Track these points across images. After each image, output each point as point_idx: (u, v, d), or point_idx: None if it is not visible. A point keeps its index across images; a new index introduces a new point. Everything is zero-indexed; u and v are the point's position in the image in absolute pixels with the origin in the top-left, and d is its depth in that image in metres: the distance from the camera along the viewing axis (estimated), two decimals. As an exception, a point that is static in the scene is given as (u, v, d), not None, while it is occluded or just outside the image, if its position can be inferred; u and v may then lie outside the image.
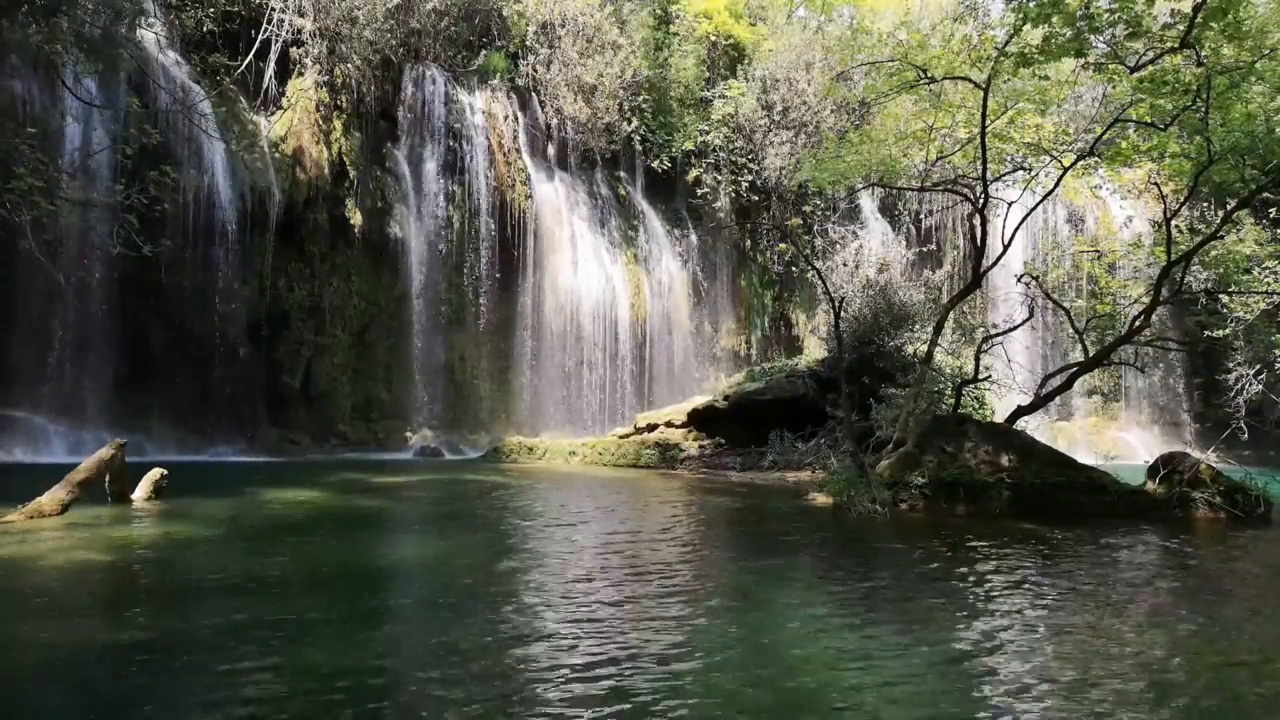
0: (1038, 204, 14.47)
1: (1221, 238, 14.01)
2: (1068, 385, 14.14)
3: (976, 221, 13.57)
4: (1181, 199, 14.20)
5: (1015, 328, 14.41)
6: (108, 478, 8.90)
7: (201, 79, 19.00)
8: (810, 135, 26.42)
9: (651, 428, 18.93)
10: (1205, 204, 22.54)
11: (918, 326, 17.44)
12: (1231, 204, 12.76)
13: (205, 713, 3.44)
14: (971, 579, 6.45)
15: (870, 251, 24.91)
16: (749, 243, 28.37)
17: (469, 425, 22.52)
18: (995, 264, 14.86)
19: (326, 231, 20.76)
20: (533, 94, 25.05)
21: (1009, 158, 13.89)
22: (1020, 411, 12.62)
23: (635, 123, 25.87)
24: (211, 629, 4.61)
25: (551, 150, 25.43)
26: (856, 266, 22.33)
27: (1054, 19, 10.39)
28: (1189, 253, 12.61)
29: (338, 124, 21.22)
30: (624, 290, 25.10)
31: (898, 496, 10.28)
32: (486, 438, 21.79)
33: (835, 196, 25.94)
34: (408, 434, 21.31)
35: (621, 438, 18.95)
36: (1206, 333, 19.79)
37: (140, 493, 9.39)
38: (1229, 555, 8.12)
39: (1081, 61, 11.90)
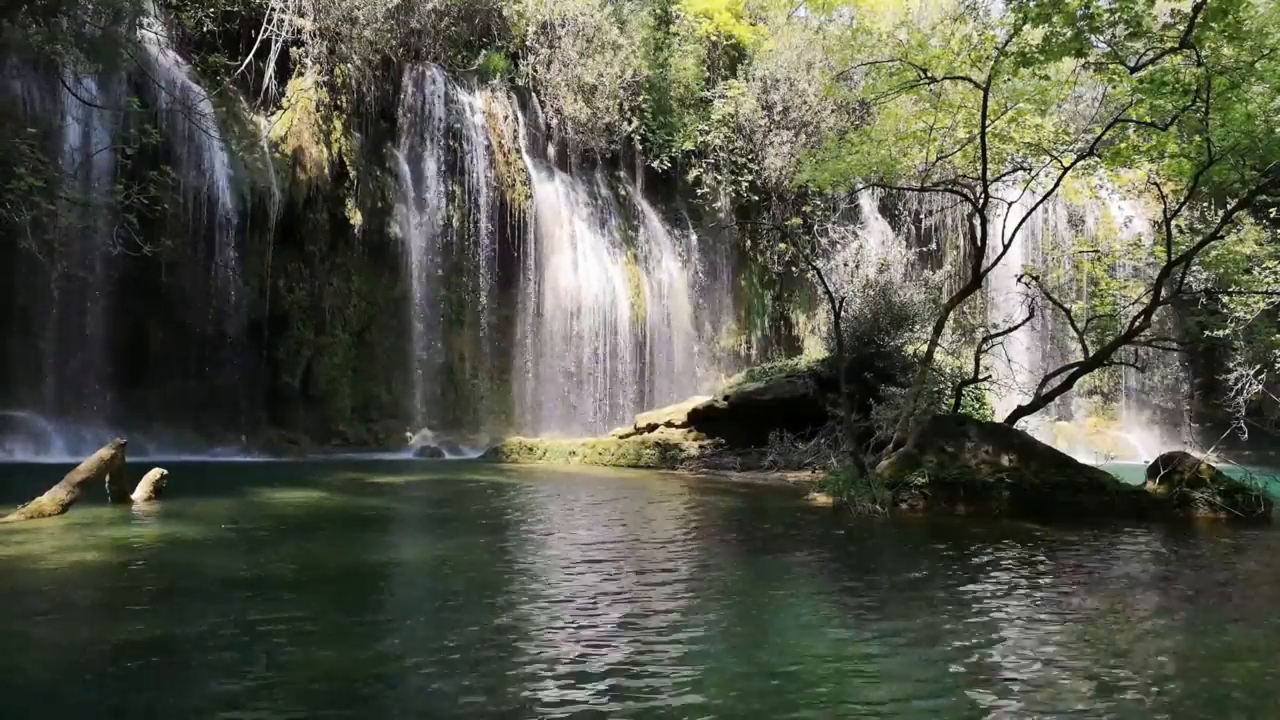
0: (1038, 204, 14.47)
1: (1221, 238, 14.02)
2: (1068, 385, 14.14)
3: (976, 221, 13.57)
4: (1181, 199, 14.20)
5: (1015, 328, 14.41)
6: (108, 478, 8.89)
7: (201, 79, 18.99)
8: (810, 135, 26.44)
9: (651, 428, 18.94)
10: (1205, 204, 22.54)
11: (918, 326, 17.44)
12: (1231, 204, 12.75)
13: (205, 713, 3.44)
14: (972, 579, 6.45)
15: (870, 251, 24.91)
16: (749, 243, 28.38)
17: (469, 425, 22.52)
18: (995, 264, 14.86)
19: (326, 231, 20.76)
20: (533, 94, 25.05)
21: (1009, 158, 13.90)
22: (1020, 411, 12.62)
23: (635, 123, 25.87)
24: (211, 629, 4.60)
25: (551, 150, 25.44)
26: (856, 266, 22.33)
27: (1054, 19, 10.40)
28: (1189, 253, 12.62)
29: (338, 124, 21.22)
30: (624, 290, 25.10)
31: (898, 496, 10.28)
32: (486, 438, 21.79)
33: (835, 196, 25.94)
34: (408, 434, 21.31)
35: (621, 438, 18.95)
36: (1206, 333, 19.79)
37: (140, 493, 9.39)
38: (1229, 555, 8.11)
39: (1082, 61, 11.91)
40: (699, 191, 27.05)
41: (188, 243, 17.85)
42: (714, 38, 27.93)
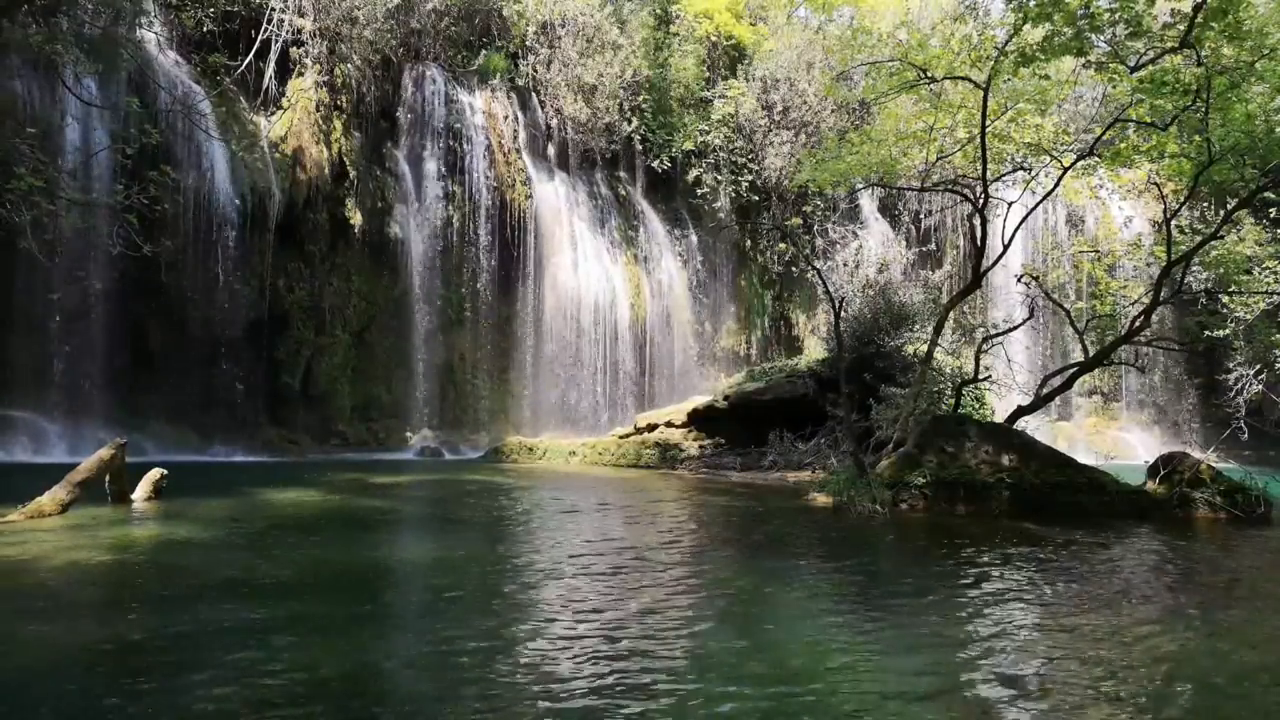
0: (1038, 204, 14.47)
1: (1221, 238, 14.02)
2: (1068, 385, 14.14)
3: (976, 221, 13.57)
4: (1181, 199, 14.19)
5: (1015, 328, 14.41)
6: (108, 478, 8.89)
7: (201, 79, 18.99)
8: (810, 135, 26.43)
9: (651, 428, 18.94)
10: (1205, 204, 22.54)
11: (918, 326, 17.44)
12: (1231, 204, 12.75)
13: (204, 714, 3.44)
14: (972, 579, 6.45)
15: (870, 251, 24.93)
16: (749, 243, 28.37)
17: (469, 425, 22.52)
18: (995, 264, 14.86)
19: (326, 231, 20.77)
20: (533, 94, 25.05)
21: (1009, 158, 13.89)
22: (1020, 411, 12.61)
23: (635, 123, 25.86)
24: (211, 629, 4.60)
25: (551, 150, 25.43)
26: (856, 266, 22.34)
27: (1055, 17, 10.39)
28: (1189, 253, 12.61)
29: (338, 124, 21.22)
30: (624, 290, 25.10)
31: (898, 496, 10.27)
32: (486, 438, 21.79)
33: (835, 196, 25.94)
34: (408, 434, 21.31)
35: (621, 438, 18.95)
36: (1206, 333, 19.79)
37: (140, 493, 9.39)
38: (1229, 555, 8.11)
39: (1082, 61, 11.90)
40: (699, 191, 27.05)
41: (188, 243, 17.87)
42: (714, 38, 27.93)
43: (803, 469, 15.47)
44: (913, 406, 12.67)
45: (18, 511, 7.86)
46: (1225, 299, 18.67)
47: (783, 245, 27.48)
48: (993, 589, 6.08)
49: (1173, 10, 11.18)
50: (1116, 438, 26.31)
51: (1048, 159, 13.59)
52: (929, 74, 12.39)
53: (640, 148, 26.51)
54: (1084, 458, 12.98)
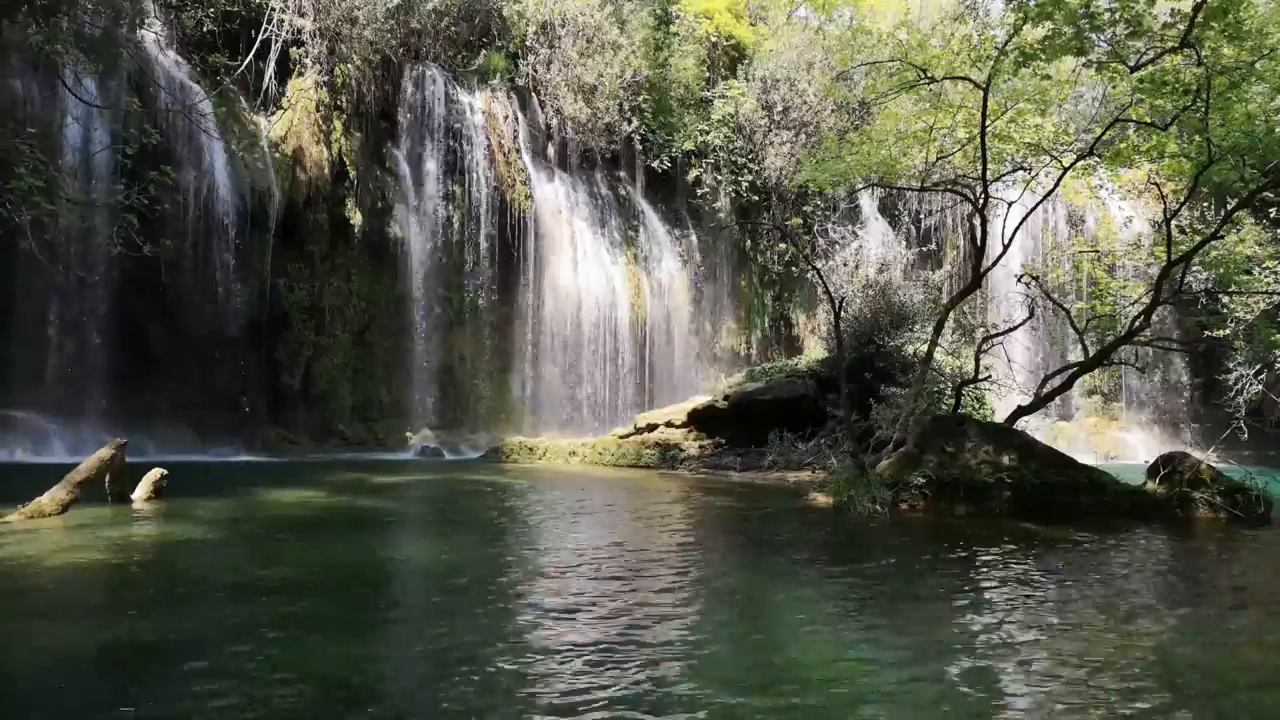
0: (1038, 204, 14.45)
1: (1221, 238, 13.99)
2: (1068, 385, 14.13)
3: (976, 221, 13.56)
4: (1181, 199, 14.17)
5: (1015, 328, 14.40)
6: (108, 478, 8.88)
7: (201, 79, 19.00)
8: (810, 135, 26.42)
9: (651, 428, 18.93)
10: (1205, 204, 22.53)
11: (918, 326, 17.43)
12: (1231, 204, 12.73)
13: (204, 714, 3.43)
14: (972, 579, 6.45)
15: (870, 251, 24.93)
16: (749, 243, 28.37)
17: (469, 425, 22.52)
18: (995, 264, 14.85)
19: (326, 231, 20.77)
20: (533, 94, 25.05)
21: (1009, 158, 13.87)
22: (1020, 411, 12.60)
23: (635, 123, 25.86)
24: (211, 630, 4.60)
25: (552, 150, 25.44)
26: (856, 266, 22.34)
27: (1055, 16, 10.39)
28: (1189, 253, 12.59)
29: (338, 124, 21.22)
30: (624, 290, 25.10)
31: (898, 496, 10.26)
32: (486, 438, 21.78)
33: (835, 196, 25.92)
34: (408, 434, 21.31)
35: (621, 438, 18.95)
36: (1206, 333, 19.75)
37: (140, 493, 9.38)
38: (1229, 556, 8.11)
39: (1082, 61, 11.90)
40: (699, 191, 27.05)
41: (188, 243, 17.87)
42: (714, 38, 27.92)
43: (803, 469, 15.46)
44: (913, 406, 12.66)
45: (18, 511, 7.86)
46: (1225, 299, 18.65)
47: (783, 245, 27.48)
48: (992, 591, 6.07)
49: (1173, 10, 11.18)
50: (1116, 438, 26.32)
51: (1048, 159, 13.57)
52: (929, 74, 12.38)
53: (640, 148, 26.51)
54: (1084, 458, 12.96)
